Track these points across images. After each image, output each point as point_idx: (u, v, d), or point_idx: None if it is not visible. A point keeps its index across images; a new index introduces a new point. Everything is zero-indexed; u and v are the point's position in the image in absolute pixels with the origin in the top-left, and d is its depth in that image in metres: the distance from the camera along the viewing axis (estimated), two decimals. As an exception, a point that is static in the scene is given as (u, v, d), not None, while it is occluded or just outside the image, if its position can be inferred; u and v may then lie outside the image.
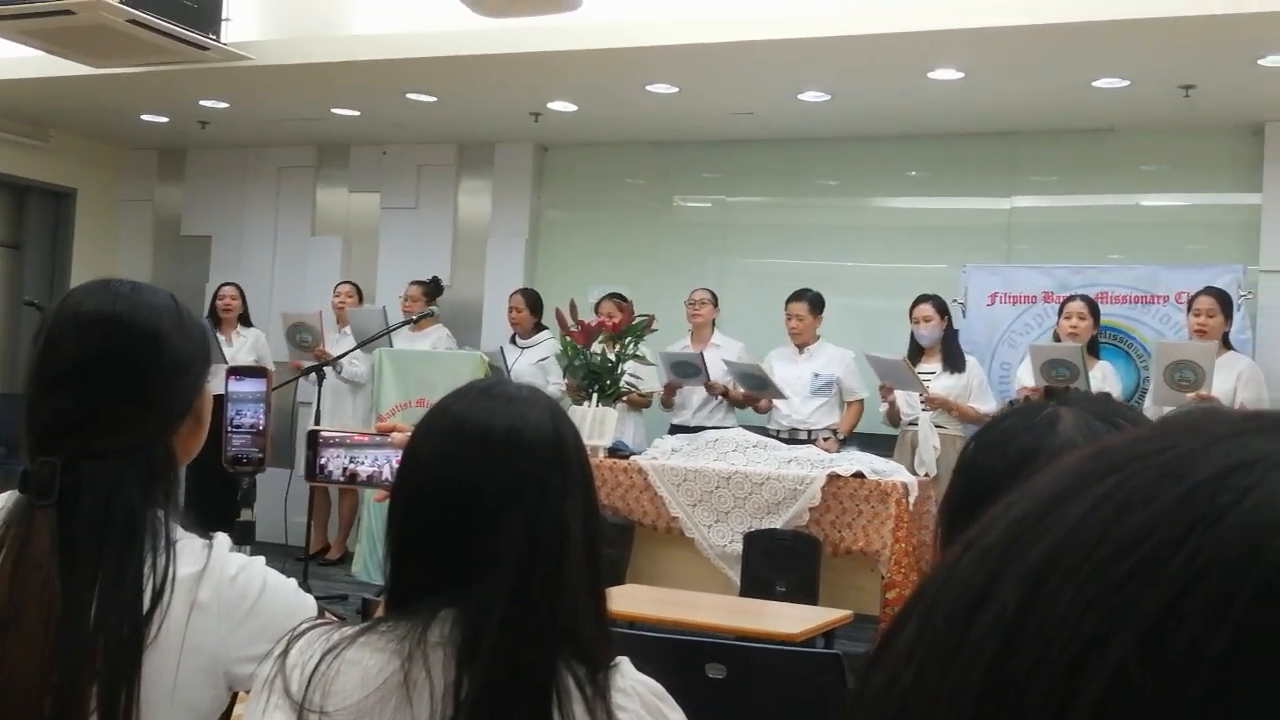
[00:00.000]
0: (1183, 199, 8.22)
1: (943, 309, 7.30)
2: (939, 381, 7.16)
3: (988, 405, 7.00)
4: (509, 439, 1.49)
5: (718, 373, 7.70)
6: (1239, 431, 0.41)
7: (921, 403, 7.08)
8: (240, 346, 8.91)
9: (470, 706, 1.38)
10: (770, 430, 7.43)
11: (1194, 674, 0.36)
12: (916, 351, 7.31)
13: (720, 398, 7.84)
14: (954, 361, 7.21)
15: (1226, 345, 6.73)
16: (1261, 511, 0.38)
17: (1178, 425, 0.43)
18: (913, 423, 7.15)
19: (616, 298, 8.15)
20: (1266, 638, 0.36)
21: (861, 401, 7.61)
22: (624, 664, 1.49)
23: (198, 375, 1.72)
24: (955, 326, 7.47)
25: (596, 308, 7.95)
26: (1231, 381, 6.49)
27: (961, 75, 7.03)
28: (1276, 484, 0.39)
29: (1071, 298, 7.08)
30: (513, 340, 8.54)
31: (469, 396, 1.55)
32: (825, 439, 7.35)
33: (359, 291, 9.19)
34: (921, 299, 7.31)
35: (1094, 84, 7.05)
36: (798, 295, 7.72)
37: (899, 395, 7.17)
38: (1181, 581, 0.37)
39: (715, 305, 8.13)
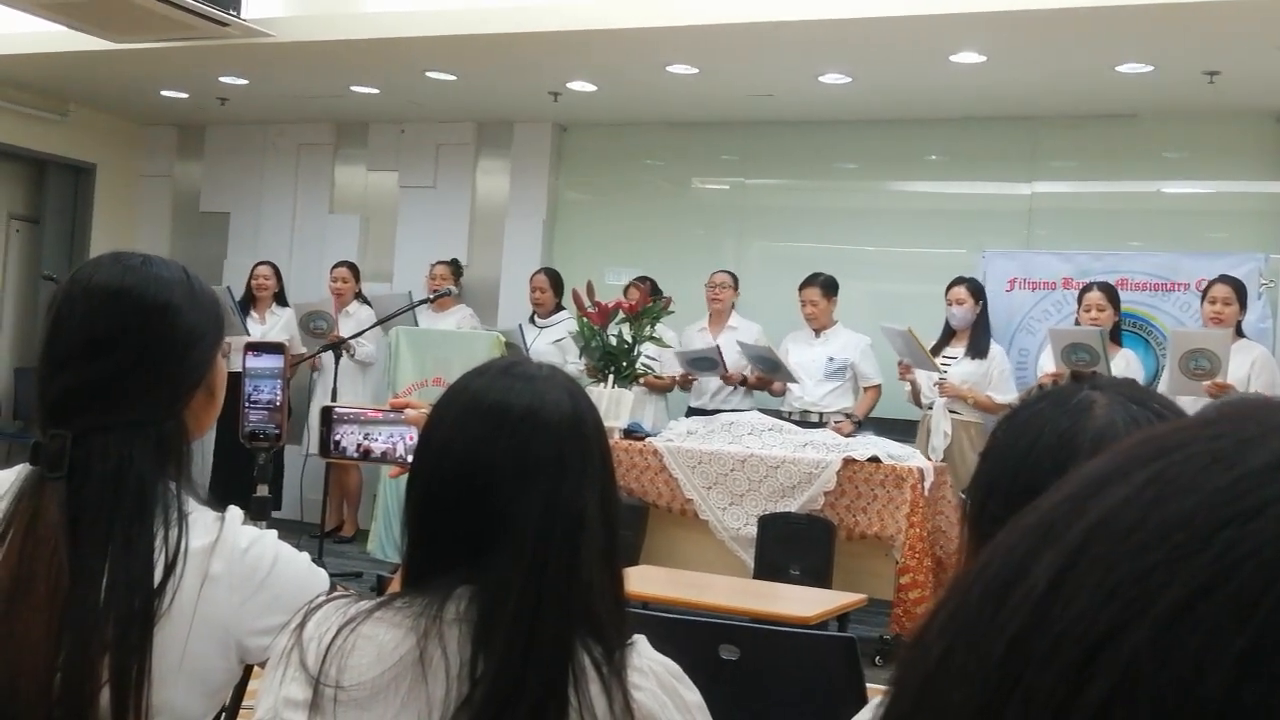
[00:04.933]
0: (1205, 186, 8.16)
1: (977, 292, 7.31)
2: (960, 366, 7.14)
3: (1006, 396, 6.92)
4: (528, 417, 1.47)
5: (734, 363, 7.68)
6: None
7: (937, 387, 7.07)
8: (274, 325, 8.90)
9: (486, 684, 1.37)
10: (783, 413, 7.41)
11: (1209, 676, 0.34)
12: (948, 334, 7.32)
13: (738, 386, 7.83)
14: (978, 347, 7.19)
15: (1239, 333, 6.69)
16: None
17: (1235, 411, 0.40)
18: (929, 407, 7.14)
19: (642, 281, 8.14)
20: None
21: (878, 387, 7.58)
22: (641, 643, 1.48)
23: (210, 348, 1.72)
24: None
25: (626, 291, 7.93)
26: (1245, 369, 6.45)
27: (983, 59, 6.98)
28: None
29: (1089, 287, 7.03)
30: (531, 320, 8.53)
31: (488, 375, 1.54)
32: (839, 422, 7.34)
33: (355, 274, 9.15)
34: (956, 281, 7.34)
35: (1117, 69, 6.99)
36: (810, 280, 7.68)
37: (920, 376, 7.15)
38: (1206, 577, 0.35)
39: (736, 288, 8.10)
